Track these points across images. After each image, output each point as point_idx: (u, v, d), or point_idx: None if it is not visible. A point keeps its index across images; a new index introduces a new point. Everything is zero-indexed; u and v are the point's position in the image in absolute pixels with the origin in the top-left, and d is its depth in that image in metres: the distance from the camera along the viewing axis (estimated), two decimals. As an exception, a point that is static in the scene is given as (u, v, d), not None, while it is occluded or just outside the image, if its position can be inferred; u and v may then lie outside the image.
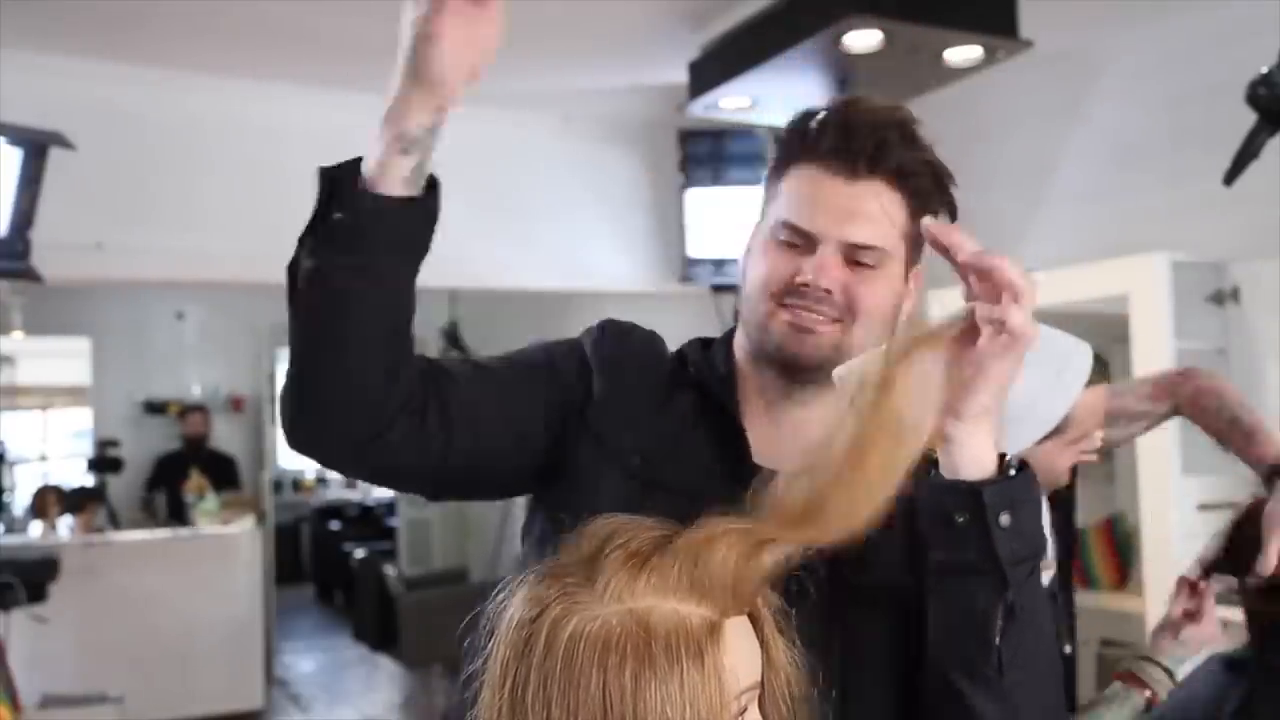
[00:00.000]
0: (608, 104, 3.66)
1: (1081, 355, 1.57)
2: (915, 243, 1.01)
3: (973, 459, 0.82)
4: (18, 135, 2.53)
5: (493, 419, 1.00)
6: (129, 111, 3.28)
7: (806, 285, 0.96)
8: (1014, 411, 1.61)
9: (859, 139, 0.97)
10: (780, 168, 1.02)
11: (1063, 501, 1.88)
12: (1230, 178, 1.60)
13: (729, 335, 1.11)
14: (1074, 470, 1.85)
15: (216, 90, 3.39)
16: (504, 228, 3.76)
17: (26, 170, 2.53)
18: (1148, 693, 1.46)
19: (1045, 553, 0.85)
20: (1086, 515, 1.93)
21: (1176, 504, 2.59)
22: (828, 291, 0.96)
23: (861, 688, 0.92)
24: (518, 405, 1.03)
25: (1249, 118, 1.57)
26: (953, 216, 1.03)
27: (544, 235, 3.84)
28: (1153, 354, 2.66)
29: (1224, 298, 2.74)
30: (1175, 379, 1.81)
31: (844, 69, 2.74)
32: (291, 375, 0.95)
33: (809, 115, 1.00)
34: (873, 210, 0.97)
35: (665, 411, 1.04)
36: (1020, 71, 2.94)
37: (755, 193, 3.57)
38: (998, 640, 0.81)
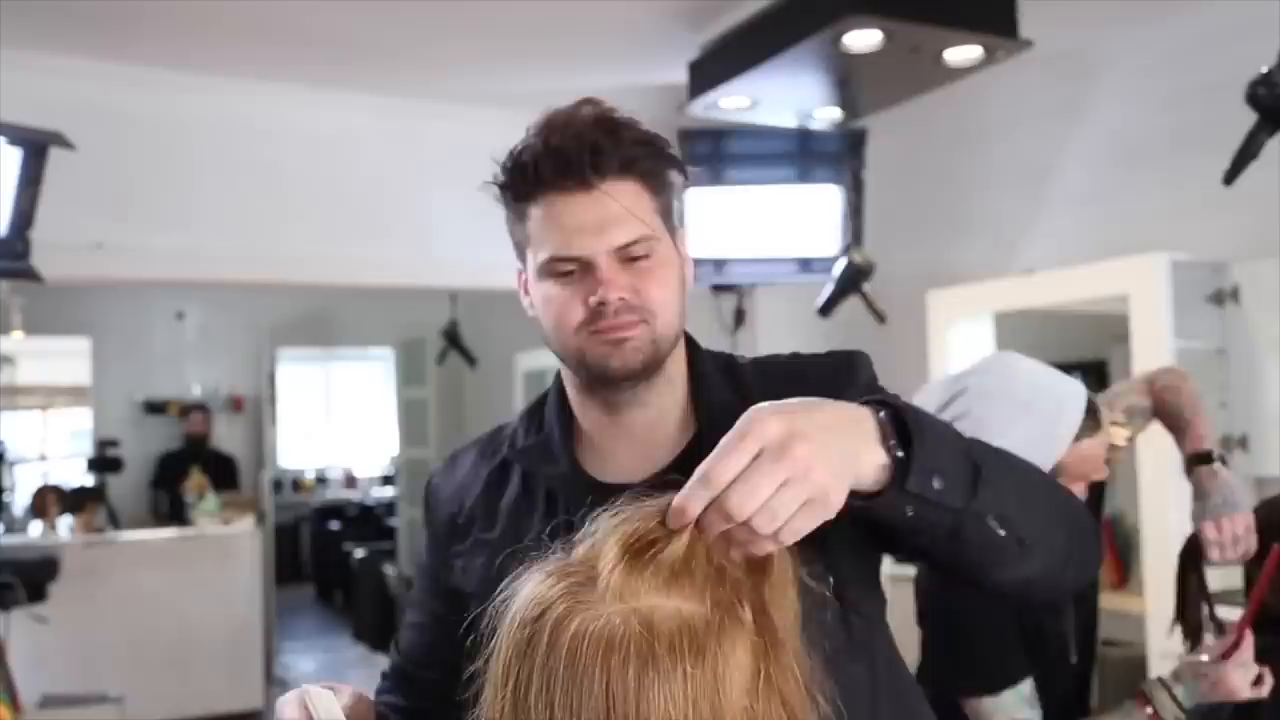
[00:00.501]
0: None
1: (1074, 407, 1.56)
2: (666, 214, 1.05)
3: (869, 473, 0.79)
4: (18, 135, 2.53)
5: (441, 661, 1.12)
6: (129, 111, 3.28)
7: (604, 304, 0.99)
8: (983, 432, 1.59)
9: (573, 153, 1.00)
10: (518, 212, 1.07)
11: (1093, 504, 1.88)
12: (1230, 178, 1.61)
13: (556, 386, 1.14)
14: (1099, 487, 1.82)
15: (216, 90, 3.39)
16: (503, 228, 3.75)
17: (26, 170, 2.53)
18: (1149, 710, 1.46)
19: (971, 448, 0.86)
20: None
21: (1176, 504, 2.58)
22: (622, 299, 0.99)
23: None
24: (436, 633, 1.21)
25: (1249, 118, 1.57)
26: (683, 173, 1.08)
27: (544, 235, 3.83)
28: (1153, 354, 2.65)
29: (1224, 297, 2.74)
30: (1154, 374, 1.85)
31: (844, 69, 2.74)
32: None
33: (518, 154, 1.05)
34: (619, 210, 1.00)
35: (496, 500, 1.12)
36: (1020, 71, 2.94)
37: (755, 192, 3.54)
38: (1005, 533, 0.84)
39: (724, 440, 0.74)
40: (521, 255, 1.09)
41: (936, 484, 0.80)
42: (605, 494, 0.93)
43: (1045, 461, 1.50)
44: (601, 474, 1.07)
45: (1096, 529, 1.02)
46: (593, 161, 1.00)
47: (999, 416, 1.50)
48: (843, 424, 0.78)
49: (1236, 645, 1.42)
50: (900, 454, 0.79)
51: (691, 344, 1.12)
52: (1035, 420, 1.53)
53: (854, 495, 0.78)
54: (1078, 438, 1.56)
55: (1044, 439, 1.52)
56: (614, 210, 1.00)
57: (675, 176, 1.08)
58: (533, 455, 1.11)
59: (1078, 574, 0.99)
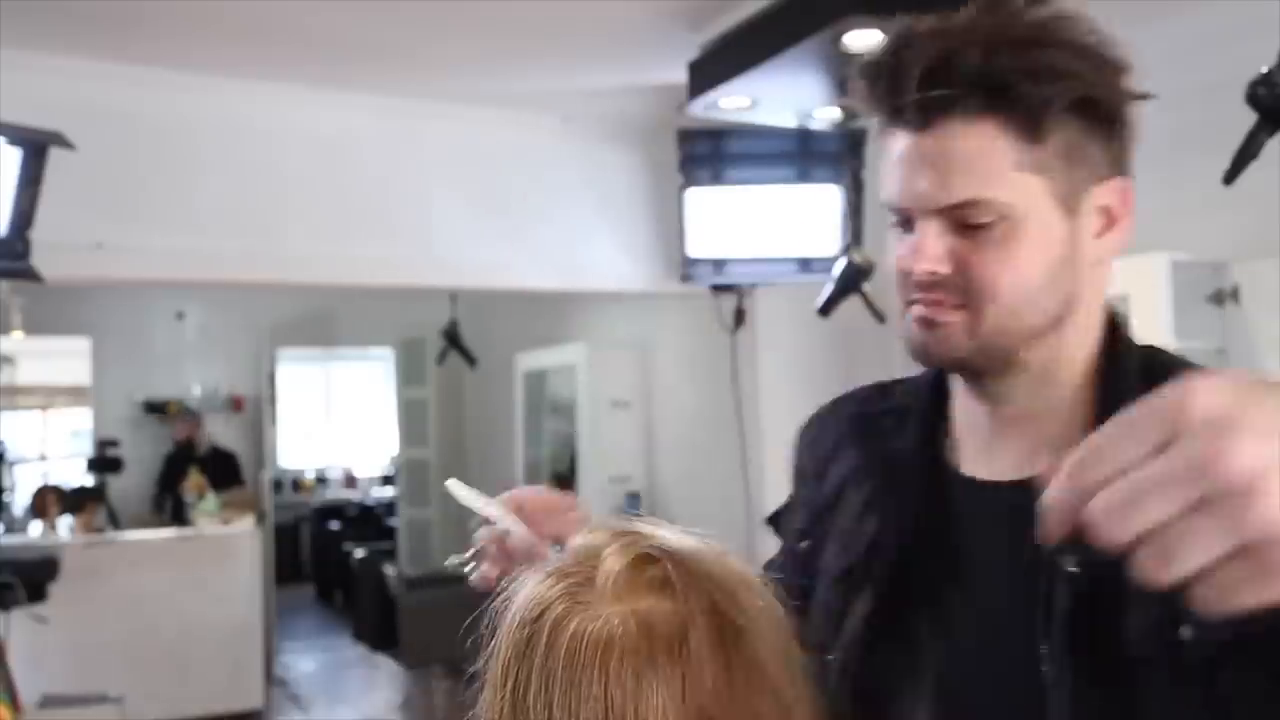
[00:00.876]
0: (608, 104, 3.66)
1: None
2: (1068, 158, 0.77)
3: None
4: (18, 135, 2.53)
5: None
6: (129, 111, 3.28)
7: (909, 274, 0.80)
8: None
9: (910, 75, 0.75)
10: (879, 135, 0.84)
11: None
12: (1230, 178, 1.61)
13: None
14: None
15: (216, 90, 3.39)
16: (504, 228, 3.76)
17: (26, 170, 2.53)
18: None
19: None
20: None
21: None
22: (932, 273, 0.79)
23: None
24: None
25: (1249, 118, 1.57)
26: (1117, 105, 0.80)
27: (544, 235, 3.84)
28: (1153, 354, 2.66)
29: (1224, 297, 2.74)
30: None
31: (844, 69, 2.74)
32: None
33: (867, 67, 0.82)
34: (957, 158, 0.76)
35: (825, 481, 0.96)
36: (1020, 71, 2.94)
37: (755, 192, 3.54)
38: None
39: (1133, 414, 0.47)
40: None
41: None
42: (971, 489, 0.85)
43: None
44: (969, 468, 0.87)
45: None
46: (933, 84, 0.74)
47: None
48: None
49: None
50: None
51: (1114, 333, 0.86)
52: None
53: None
54: None
55: None
56: (947, 160, 0.76)
57: (1107, 115, 0.80)
58: (877, 426, 0.93)
59: None
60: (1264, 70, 1.53)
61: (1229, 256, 2.74)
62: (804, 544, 0.95)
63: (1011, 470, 0.83)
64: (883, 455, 0.91)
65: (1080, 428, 0.80)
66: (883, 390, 0.99)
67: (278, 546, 7.37)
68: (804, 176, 3.53)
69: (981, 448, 0.86)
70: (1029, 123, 0.76)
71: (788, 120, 3.20)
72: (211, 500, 5.98)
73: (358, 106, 3.58)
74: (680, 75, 3.07)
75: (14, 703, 3.68)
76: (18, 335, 5.86)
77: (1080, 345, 0.83)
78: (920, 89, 0.75)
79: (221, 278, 3.65)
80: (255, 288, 5.86)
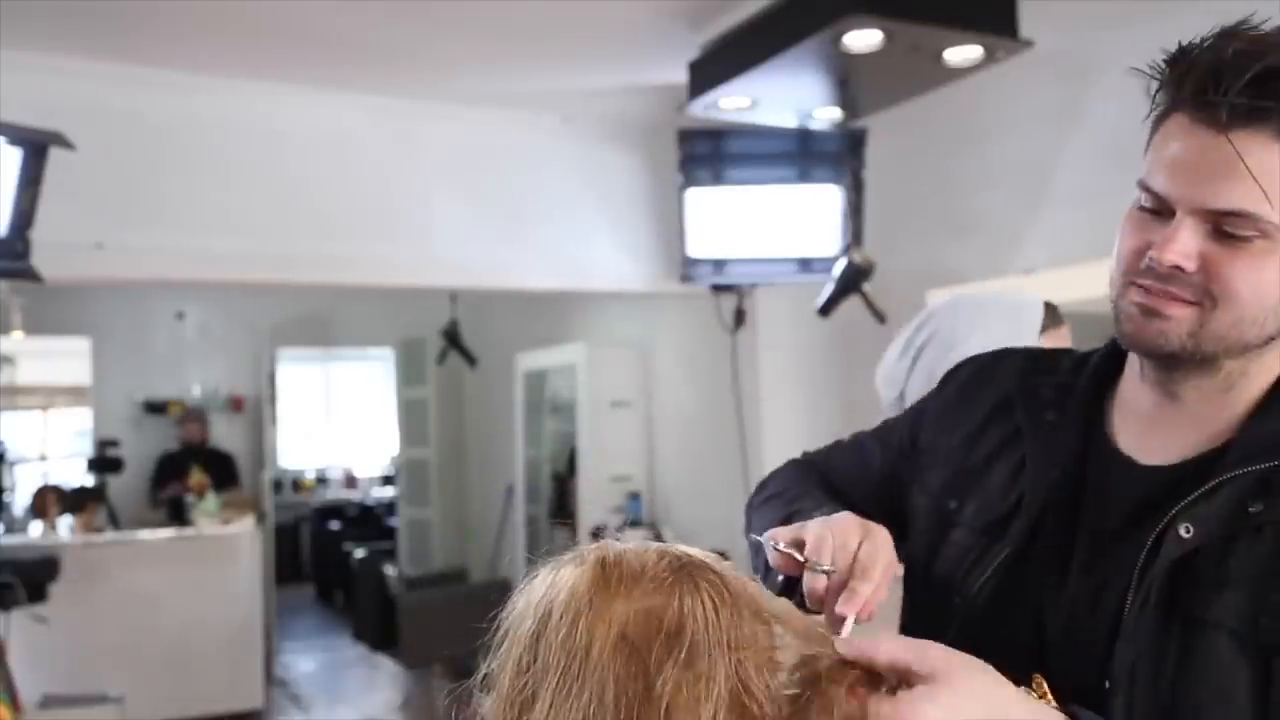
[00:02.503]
0: (608, 104, 3.66)
1: (1033, 304, 1.71)
2: None
3: None
4: (18, 135, 2.53)
5: None
6: (129, 111, 3.28)
7: (1154, 262, 0.82)
8: (957, 356, 1.69)
9: (1231, 76, 0.78)
10: (1159, 117, 0.87)
11: None
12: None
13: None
14: None
15: (216, 90, 3.39)
16: (504, 228, 3.76)
17: (26, 170, 2.53)
18: None
19: None
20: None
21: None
22: (1178, 268, 0.80)
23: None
24: None
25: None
26: None
27: (544, 235, 3.84)
28: (1153, 354, 2.66)
29: (1224, 298, 2.74)
30: None
31: (844, 69, 2.74)
32: None
33: (1185, 51, 0.86)
34: (1243, 169, 0.77)
35: (976, 444, 1.03)
36: (1020, 71, 2.94)
37: (755, 192, 3.55)
38: None
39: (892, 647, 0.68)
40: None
41: None
42: (1119, 464, 0.91)
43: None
44: (1124, 444, 0.92)
45: None
46: (1240, 90, 0.77)
47: (962, 326, 1.62)
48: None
49: None
50: None
51: None
52: (996, 321, 1.65)
53: None
54: (1044, 330, 1.66)
55: (1011, 337, 1.57)
56: (1236, 166, 0.77)
57: None
58: (1040, 392, 0.98)
59: None
60: (1264, 70, 1.53)
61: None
62: (950, 503, 1.02)
63: (1162, 456, 0.89)
64: (1039, 426, 0.96)
65: (1234, 430, 0.86)
66: (1048, 358, 1.05)
67: (278, 546, 7.37)
68: (804, 176, 3.53)
69: (1140, 432, 0.91)
70: None
71: (788, 120, 3.20)
72: (212, 500, 5.98)
73: (358, 107, 3.58)
74: (680, 75, 3.07)
75: (14, 703, 3.68)
76: (18, 335, 5.86)
77: (1271, 370, 0.87)
78: (1243, 94, 0.77)
79: (221, 278, 3.65)
80: (255, 288, 5.86)
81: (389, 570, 7.08)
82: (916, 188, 3.69)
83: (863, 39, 2.53)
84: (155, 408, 7.51)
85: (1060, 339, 1.70)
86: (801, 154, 3.51)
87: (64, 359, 7.32)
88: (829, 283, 3.24)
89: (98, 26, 2.96)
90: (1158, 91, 0.87)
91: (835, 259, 3.29)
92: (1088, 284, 2.89)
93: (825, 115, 3.14)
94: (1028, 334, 1.66)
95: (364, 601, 7.22)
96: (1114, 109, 3.09)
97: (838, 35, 2.50)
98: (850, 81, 2.84)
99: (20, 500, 6.33)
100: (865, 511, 0.94)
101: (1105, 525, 0.89)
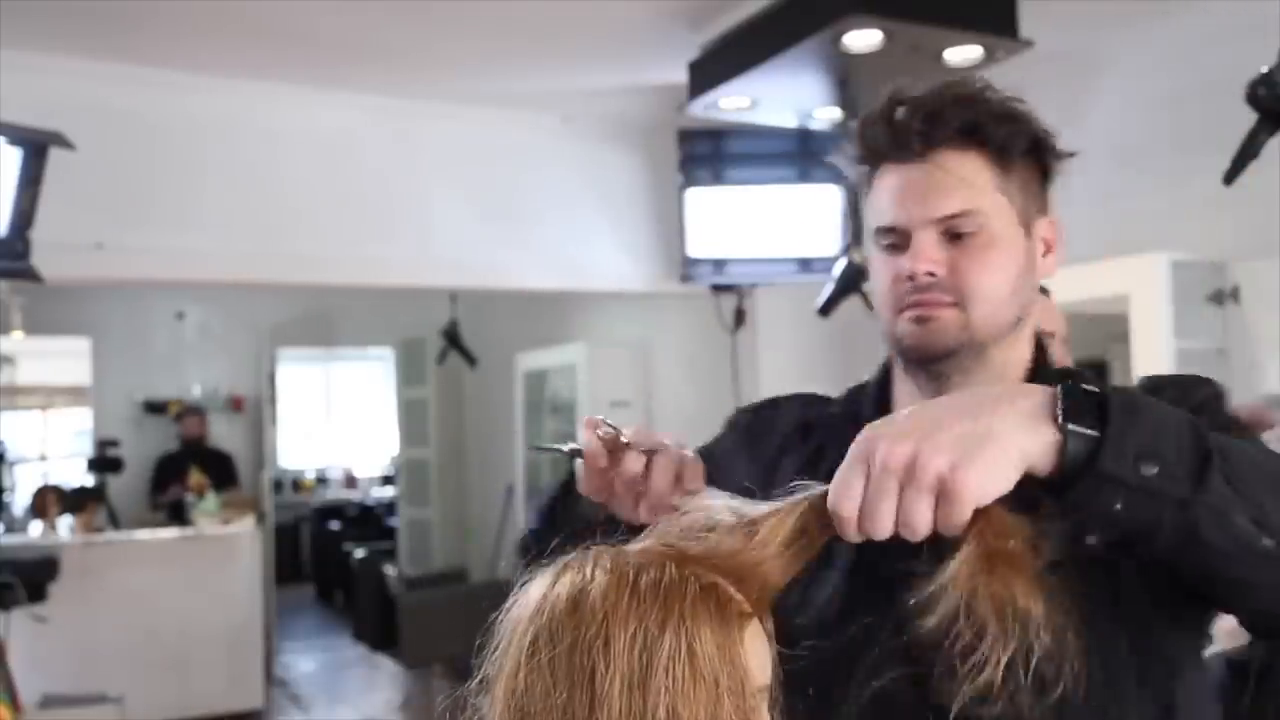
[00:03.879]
0: (608, 104, 3.66)
1: None
2: (1024, 191, 0.98)
3: (1028, 453, 0.71)
4: (18, 135, 2.53)
5: None
6: (129, 111, 3.28)
7: (912, 277, 0.94)
8: None
9: (906, 120, 0.95)
10: (866, 183, 1.03)
11: None
12: (1230, 178, 1.61)
13: (884, 363, 1.10)
14: None
15: (216, 90, 3.39)
16: (504, 228, 3.76)
17: (26, 170, 2.53)
18: None
19: (1204, 436, 0.72)
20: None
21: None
22: (930, 275, 0.94)
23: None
24: None
25: (1249, 118, 1.57)
26: (1049, 148, 1.00)
27: (544, 235, 3.84)
28: (1153, 354, 2.66)
29: (1224, 297, 2.74)
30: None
31: (844, 69, 2.74)
32: None
33: (863, 123, 1.01)
34: (948, 179, 0.94)
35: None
36: (1020, 71, 2.94)
37: (755, 192, 3.55)
38: (1265, 542, 0.71)
39: (838, 472, 0.72)
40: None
41: (1145, 469, 0.68)
42: None
43: None
44: None
45: None
46: (926, 129, 0.95)
47: None
48: (968, 410, 0.71)
49: None
50: (1079, 428, 0.69)
51: (1040, 351, 1.04)
52: None
53: (1049, 490, 0.71)
54: None
55: None
56: (941, 180, 0.94)
57: (1040, 159, 1.01)
58: (833, 424, 1.05)
59: None
60: (1264, 70, 1.53)
61: (1229, 256, 2.74)
62: None
63: None
64: (825, 456, 1.02)
65: None
66: (820, 399, 1.15)
67: (278, 546, 7.37)
68: (804, 176, 3.53)
69: None
70: (1001, 156, 0.96)
71: (788, 120, 3.20)
72: (212, 500, 5.98)
73: (358, 107, 3.58)
74: (680, 75, 3.07)
75: (14, 703, 3.68)
76: (18, 335, 5.86)
77: (1023, 356, 1.01)
78: (924, 127, 0.95)
79: (221, 278, 3.65)
80: (255, 288, 5.86)
81: (389, 570, 7.08)
82: (916, 188, 3.69)
83: (863, 39, 2.53)
84: (155, 408, 7.51)
85: (1042, 308, 1.73)
86: (801, 154, 3.51)
87: (64, 359, 7.32)
88: (829, 283, 3.24)
89: (98, 26, 2.96)
90: (860, 164, 1.02)
91: (835, 259, 3.29)
92: (1088, 284, 2.90)
93: (825, 115, 3.14)
94: None
95: (364, 601, 7.22)
96: (1114, 109, 3.09)
97: (838, 35, 2.50)
98: (850, 81, 2.84)
99: (20, 500, 6.33)
100: None
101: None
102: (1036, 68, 3.00)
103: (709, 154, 3.56)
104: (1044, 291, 1.78)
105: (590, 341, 5.51)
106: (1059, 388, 0.72)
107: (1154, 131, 2.96)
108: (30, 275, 2.58)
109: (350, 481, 9.71)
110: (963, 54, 2.66)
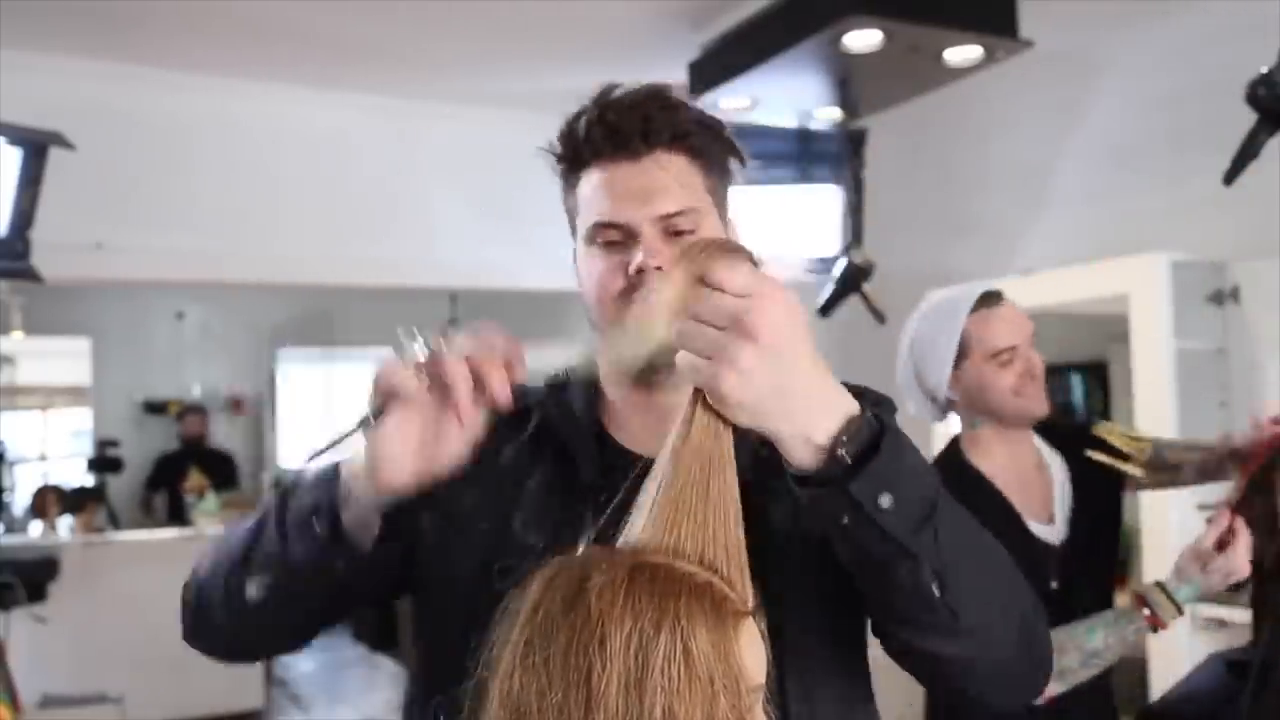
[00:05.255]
0: (608, 104, 3.66)
1: (969, 291, 1.78)
2: (716, 196, 1.04)
3: (799, 442, 0.77)
4: (18, 135, 2.53)
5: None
6: (129, 111, 3.28)
7: (641, 272, 0.97)
8: (921, 351, 1.79)
9: (624, 121, 1.00)
10: (569, 181, 1.05)
11: (1112, 510, 1.90)
12: (1230, 178, 1.61)
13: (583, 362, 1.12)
14: (1121, 477, 1.83)
15: (217, 90, 3.39)
16: (503, 228, 3.76)
17: (26, 170, 2.53)
18: (1146, 611, 1.49)
19: (940, 496, 0.79)
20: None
21: (1176, 504, 2.58)
22: (661, 269, 0.95)
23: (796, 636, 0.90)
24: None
25: (1249, 118, 1.57)
26: (738, 159, 1.07)
27: (543, 236, 3.81)
28: (1153, 354, 2.66)
29: (1224, 297, 2.74)
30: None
31: (844, 69, 2.74)
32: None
33: (573, 121, 1.04)
34: (667, 179, 0.99)
35: (496, 468, 1.01)
36: (1020, 71, 2.94)
37: (755, 192, 3.53)
38: (939, 595, 0.78)
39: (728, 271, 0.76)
40: (572, 227, 1.07)
41: (884, 502, 0.75)
42: (625, 458, 0.97)
43: (951, 343, 1.74)
44: (630, 444, 1.02)
45: (1048, 667, 0.94)
46: (644, 131, 0.99)
47: (911, 327, 1.84)
48: (814, 378, 0.77)
49: (1232, 531, 1.47)
50: (848, 453, 0.76)
51: None
52: (923, 321, 1.82)
53: (800, 481, 0.78)
54: (973, 310, 1.76)
55: (934, 334, 1.77)
56: (662, 179, 0.99)
57: (731, 164, 1.06)
58: (555, 413, 1.06)
59: (1007, 691, 0.90)
60: (1264, 70, 1.53)
61: (1229, 256, 2.74)
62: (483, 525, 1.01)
63: (647, 448, 0.94)
64: (561, 437, 1.03)
65: None
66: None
67: (278, 546, 7.34)
68: (804, 176, 3.53)
69: (632, 430, 1.03)
70: (705, 159, 1.02)
71: (788, 120, 3.20)
72: (212, 500, 5.97)
73: (358, 106, 3.58)
74: (680, 75, 3.07)
75: (14, 703, 3.68)
76: (18, 335, 5.86)
77: None
78: (644, 128, 0.99)
79: (221, 278, 3.65)
80: (255, 288, 5.86)
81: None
82: (916, 188, 3.69)
83: (863, 39, 2.53)
84: (155, 408, 7.50)
85: (994, 318, 1.76)
86: (801, 154, 3.51)
87: (64, 359, 7.32)
88: (829, 283, 3.24)
89: (98, 26, 2.96)
90: (562, 162, 1.05)
91: (835, 259, 3.28)
92: (1088, 284, 2.90)
93: (825, 115, 3.14)
94: (954, 321, 1.76)
95: (364, 601, 7.21)
96: (1114, 109, 3.09)
97: (838, 35, 2.50)
98: (850, 81, 2.84)
99: (20, 500, 6.33)
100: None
101: None
102: (1036, 68, 3.00)
103: (709, 154, 3.56)
104: (997, 298, 1.79)
105: (590, 341, 5.50)
106: (860, 415, 0.77)
107: (1154, 132, 2.96)
108: (30, 275, 2.58)
109: (350, 481, 9.70)
110: (963, 54, 2.66)
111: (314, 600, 0.95)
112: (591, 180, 1.02)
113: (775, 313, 0.74)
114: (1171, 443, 1.82)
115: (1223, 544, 1.47)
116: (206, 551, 1.00)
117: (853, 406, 0.78)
